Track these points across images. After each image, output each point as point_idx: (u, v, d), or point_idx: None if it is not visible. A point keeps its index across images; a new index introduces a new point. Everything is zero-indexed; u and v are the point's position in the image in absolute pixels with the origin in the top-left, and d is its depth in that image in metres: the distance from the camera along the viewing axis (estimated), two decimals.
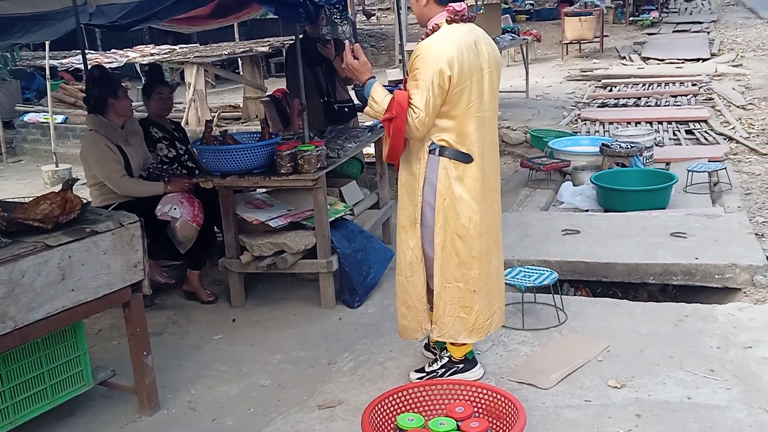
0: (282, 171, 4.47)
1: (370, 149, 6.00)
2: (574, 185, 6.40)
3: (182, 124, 9.93)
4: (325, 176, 4.60)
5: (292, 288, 5.07)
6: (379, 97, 3.06)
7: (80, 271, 3.20)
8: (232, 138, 4.78)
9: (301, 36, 6.28)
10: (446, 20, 3.09)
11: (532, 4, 23.45)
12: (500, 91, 10.71)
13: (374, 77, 3.15)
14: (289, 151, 4.45)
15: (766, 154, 7.17)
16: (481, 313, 3.28)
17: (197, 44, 13.00)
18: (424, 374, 3.49)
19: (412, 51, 3.09)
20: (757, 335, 3.63)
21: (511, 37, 10.07)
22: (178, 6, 5.92)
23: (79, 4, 5.61)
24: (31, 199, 3.48)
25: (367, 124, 7.43)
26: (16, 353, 3.17)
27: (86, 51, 11.52)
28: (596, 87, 11.76)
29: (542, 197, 6.40)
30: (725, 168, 6.22)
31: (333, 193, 5.16)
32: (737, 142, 7.67)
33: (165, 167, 5.06)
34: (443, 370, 3.46)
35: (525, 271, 4.14)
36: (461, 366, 3.46)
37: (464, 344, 3.39)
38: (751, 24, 17.81)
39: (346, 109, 6.46)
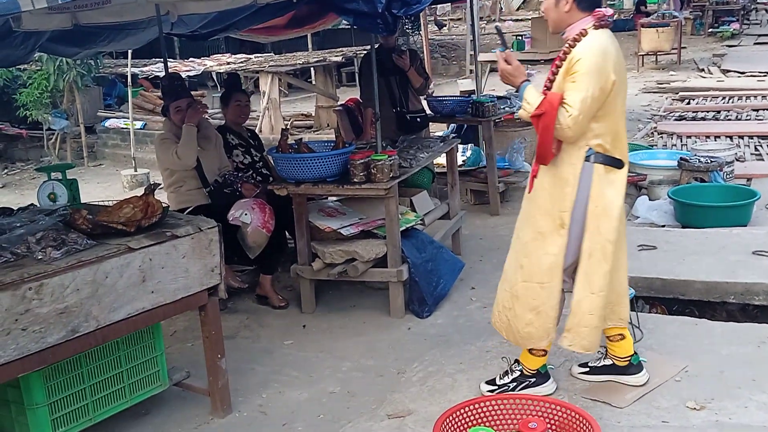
0: (355, 180, 4.50)
1: (441, 159, 5.98)
2: (650, 200, 6.25)
3: (256, 132, 10.17)
4: (397, 186, 4.61)
5: (361, 296, 5.09)
6: (532, 98, 3.09)
7: (160, 274, 3.29)
8: (307, 146, 4.84)
9: (376, 46, 6.34)
10: (594, 26, 3.07)
11: None
12: None
13: (528, 80, 3.20)
14: (362, 160, 4.49)
15: None
16: None
17: (272, 53, 13.25)
18: (495, 387, 3.46)
19: (573, 57, 3.02)
20: None
21: None
22: (256, 16, 6.05)
23: (162, 14, 5.79)
24: (114, 202, 3.61)
25: (438, 134, 7.45)
26: (97, 352, 3.27)
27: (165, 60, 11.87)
28: (673, 99, 11.48)
29: None
30: None
31: (404, 203, 5.17)
32: None
33: (239, 174, 5.16)
34: (515, 383, 3.42)
35: None
36: (533, 380, 3.42)
37: (543, 355, 3.36)
38: None
39: (418, 119, 6.47)
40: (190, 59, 11.98)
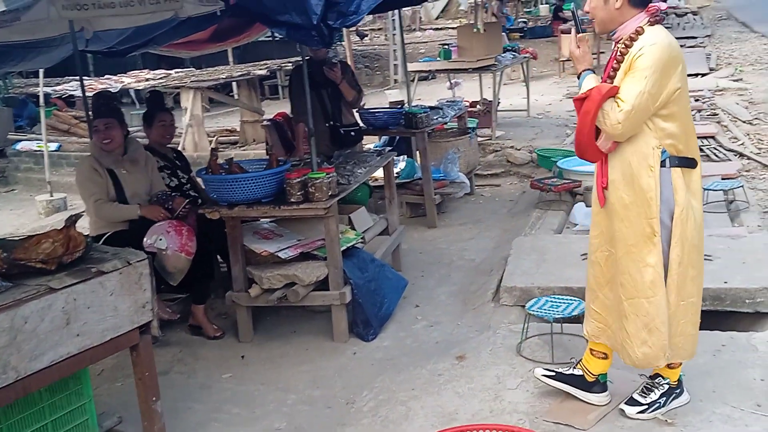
0: (292, 200, 4.29)
1: (376, 173, 5.80)
2: (586, 206, 6.22)
3: (179, 150, 9.79)
4: (336, 204, 4.42)
5: (301, 320, 4.86)
6: (588, 86, 2.94)
7: (86, 315, 3.00)
8: (239, 166, 4.59)
9: (298, 59, 6.13)
10: (649, 22, 2.93)
11: (525, 22, 23.43)
12: (500, 110, 10.55)
13: (592, 70, 3.02)
14: (299, 179, 4.28)
15: None
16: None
17: (192, 68, 12.86)
18: (645, 406, 3.19)
19: (633, 54, 2.89)
20: None
21: (512, 56, 9.95)
22: (177, 31, 5.76)
23: (76, 30, 5.45)
24: (31, 236, 3.29)
25: (370, 147, 7.29)
26: (18, 405, 2.95)
27: (79, 78, 11.36)
28: None
29: (554, 219, 6.22)
30: (743, 186, 6.06)
31: (342, 221, 4.97)
32: (748, 158, 7.52)
33: (171, 194, 4.86)
34: (665, 398, 3.20)
35: (551, 301, 3.95)
36: (678, 391, 3.23)
37: (679, 365, 3.19)
38: (745, 38, 17.76)
39: (352, 133, 6.28)
40: (106, 76, 11.48)
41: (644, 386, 3.24)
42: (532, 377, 3.51)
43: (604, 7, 2.97)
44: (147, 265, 3.23)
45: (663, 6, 3.02)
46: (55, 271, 2.99)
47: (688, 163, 2.99)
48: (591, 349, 3.32)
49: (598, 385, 3.31)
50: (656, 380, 3.22)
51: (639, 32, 2.91)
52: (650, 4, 2.96)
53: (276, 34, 9.11)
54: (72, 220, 3.26)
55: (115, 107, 4.95)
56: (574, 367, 3.38)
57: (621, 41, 2.95)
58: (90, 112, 5.55)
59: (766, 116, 9.39)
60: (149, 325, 3.29)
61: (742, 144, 8.08)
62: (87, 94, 10.28)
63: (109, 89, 9.87)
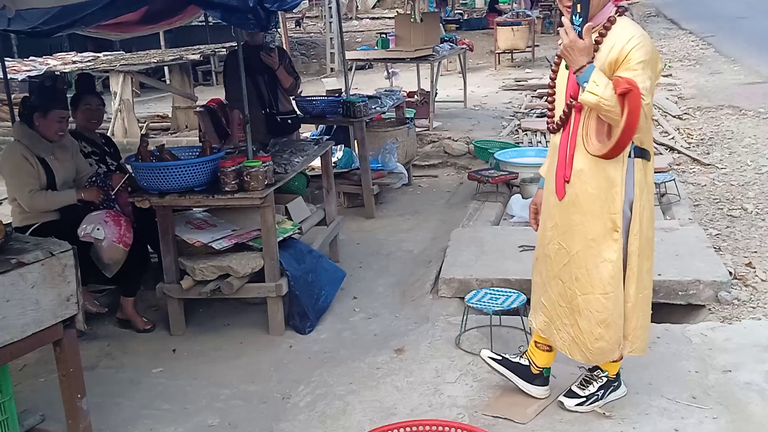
0: (227, 189, 4.14)
1: (314, 162, 5.69)
2: (523, 198, 6.25)
3: (109, 135, 9.46)
4: (273, 194, 4.29)
5: (236, 313, 4.73)
6: (603, 81, 2.74)
7: (4, 308, 2.81)
8: (170, 153, 4.42)
9: (234, 44, 5.95)
10: (618, 12, 2.87)
11: (461, 14, 23.55)
12: (437, 101, 10.52)
13: (593, 61, 2.82)
14: (234, 167, 4.13)
15: (709, 165, 7.18)
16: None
17: (121, 51, 12.45)
18: (583, 399, 3.17)
19: (619, 43, 2.77)
20: (735, 358, 3.50)
21: (449, 47, 9.92)
22: (106, 11, 5.49)
23: None
24: None
25: (307, 135, 7.16)
26: None
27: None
28: (532, 96, 11.74)
29: (492, 211, 6.22)
30: (674, 179, 6.17)
31: (279, 211, 4.86)
32: (679, 152, 7.69)
33: (102, 175, 4.65)
34: (603, 390, 3.18)
35: (490, 293, 3.93)
36: (616, 384, 3.21)
37: (620, 359, 3.16)
38: (674, 35, 18.23)
39: (289, 121, 6.14)
40: (31, 58, 11.00)
41: (583, 379, 3.24)
42: (470, 371, 3.48)
43: None
44: (72, 257, 3.06)
45: None
46: None
47: (646, 154, 2.96)
48: (535, 342, 3.30)
49: (541, 378, 3.30)
50: (595, 373, 3.22)
51: (612, 21, 2.86)
52: None
53: (210, 18, 8.87)
54: None
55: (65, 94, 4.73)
56: (521, 356, 3.36)
57: (594, 30, 2.87)
58: (28, 95, 5.30)
59: (695, 111, 9.63)
60: (74, 319, 3.12)
61: (672, 138, 8.25)
62: (10, 76, 9.86)
63: (33, 71, 9.47)
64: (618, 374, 3.23)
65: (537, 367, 3.28)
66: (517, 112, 10.50)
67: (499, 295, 3.90)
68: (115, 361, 4.26)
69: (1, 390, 3.04)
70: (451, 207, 6.80)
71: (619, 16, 2.88)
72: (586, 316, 2.99)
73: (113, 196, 4.42)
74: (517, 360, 3.34)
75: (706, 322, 3.99)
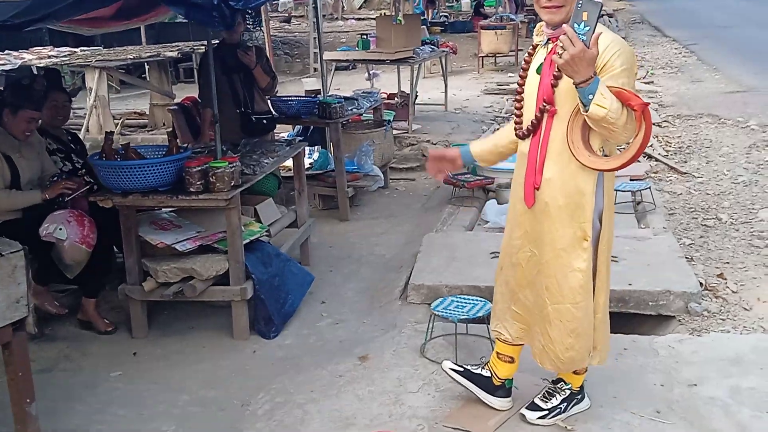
0: (191, 189, 4.05)
1: (288, 162, 5.60)
2: (498, 203, 6.19)
3: (83, 132, 9.33)
4: (239, 195, 4.21)
5: (201, 316, 4.64)
6: (609, 93, 2.60)
7: None
8: (136, 152, 4.32)
9: (217, 41, 5.86)
10: None
11: (446, 17, 23.50)
12: (418, 104, 10.43)
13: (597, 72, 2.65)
14: (199, 168, 4.04)
15: (686, 173, 7.16)
16: None
17: (101, 47, 12.29)
18: (545, 412, 3.11)
19: (604, 45, 2.65)
20: (701, 371, 3.45)
21: (430, 49, 9.85)
22: (78, 6, 5.39)
23: None
24: None
25: (284, 135, 7.07)
26: None
27: None
28: (513, 101, 11.69)
29: (467, 216, 6.17)
30: (650, 187, 6.14)
31: (247, 212, 4.77)
32: (656, 160, 7.66)
33: (64, 177, 4.55)
34: (566, 403, 3.12)
35: (457, 301, 3.86)
36: (579, 397, 3.16)
37: (584, 371, 3.11)
38: (657, 42, 18.27)
39: (264, 121, 6.04)
40: (6, 52, 10.82)
41: (546, 391, 3.18)
42: (433, 380, 3.42)
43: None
44: (22, 257, 2.96)
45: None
46: None
47: None
48: (498, 353, 3.23)
49: (503, 389, 3.24)
50: (558, 385, 3.16)
51: None
52: None
53: None
54: None
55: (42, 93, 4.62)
56: (483, 367, 3.29)
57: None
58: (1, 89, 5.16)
59: (674, 119, 9.62)
60: (24, 322, 3.02)
61: (650, 146, 8.23)
62: None
63: (7, 65, 9.32)
64: (582, 387, 3.17)
65: (499, 378, 3.22)
66: (497, 116, 10.46)
67: (465, 303, 3.83)
68: (72, 364, 4.16)
69: None
70: (426, 211, 6.73)
71: None
72: (556, 326, 2.93)
73: (67, 203, 4.32)
74: (478, 371, 3.27)
75: (675, 333, 3.94)
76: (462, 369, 3.29)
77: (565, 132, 2.79)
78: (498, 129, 9.41)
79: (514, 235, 3.06)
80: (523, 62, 2.99)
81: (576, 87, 2.63)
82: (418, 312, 4.41)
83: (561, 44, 2.58)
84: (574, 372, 3.11)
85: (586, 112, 2.64)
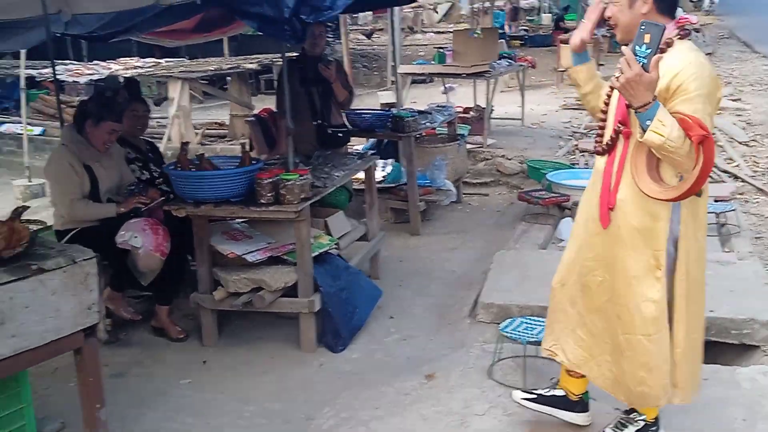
0: (262, 201, 4.08)
1: (360, 174, 5.59)
2: (574, 221, 6.03)
3: (165, 141, 9.58)
4: (309, 206, 4.21)
5: (270, 326, 4.66)
6: (669, 120, 2.49)
7: (23, 315, 2.78)
8: (210, 162, 4.38)
9: (296, 54, 5.91)
10: (678, 35, 2.66)
11: (526, 30, 23.27)
12: (494, 118, 10.32)
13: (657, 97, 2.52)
14: (270, 180, 4.07)
15: None
16: None
17: (185, 58, 12.64)
18: None
19: (671, 70, 2.54)
20: None
21: (507, 63, 9.75)
22: (160, 18, 5.56)
23: (54, 12, 5.25)
24: None
25: (358, 148, 7.08)
26: None
27: (70, 62, 11.11)
28: (601, 114, 11.42)
29: (540, 233, 6.03)
30: (735, 209, 5.88)
31: (317, 225, 4.77)
32: (743, 180, 7.34)
33: (142, 186, 4.66)
34: None
35: (527, 323, 3.76)
36: (654, 429, 3.03)
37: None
38: (746, 58, 17.62)
39: (339, 134, 6.04)
40: (95, 62, 11.25)
41: (618, 421, 3.04)
42: (501, 403, 3.32)
43: (628, 11, 2.68)
44: (94, 264, 3.01)
45: (694, 20, 2.68)
46: None
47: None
48: (567, 371, 3.12)
49: (581, 404, 3.15)
50: (632, 415, 3.02)
51: (669, 44, 2.61)
52: (681, 16, 2.68)
53: None
54: (18, 212, 3.05)
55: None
56: (555, 387, 3.19)
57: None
58: (78, 97, 5.34)
59: (763, 138, 9.22)
60: (95, 328, 3.08)
61: (737, 166, 7.90)
62: (73, 79, 10.11)
63: (95, 75, 9.66)
64: (657, 418, 3.02)
65: (574, 394, 3.12)
66: (575, 132, 10.25)
67: (535, 324, 3.72)
68: (144, 370, 4.23)
69: (19, 396, 3.01)
70: (499, 227, 6.62)
71: (679, 39, 2.65)
72: (628, 357, 2.79)
73: (144, 213, 4.40)
74: (551, 393, 3.18)
75: (760, 365, 3.73)
76: (535, 396, 3.20)
77: None
78: (576, 145, 9.24)
79: (584, 255, 2.93)
80: (614, 77, 2.87)
81: (635, 112, 2.52)
82: (487, 331, 4.32)
83: (619, 66, 2.47)
84: None
85: (642, 138, 2.52)
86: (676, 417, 3.18)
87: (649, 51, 2.43)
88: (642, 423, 2.99)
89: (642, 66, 2.43)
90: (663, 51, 2.57)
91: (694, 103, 2.51)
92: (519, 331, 3.64)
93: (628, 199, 2.72)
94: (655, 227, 2.68)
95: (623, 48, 2.51)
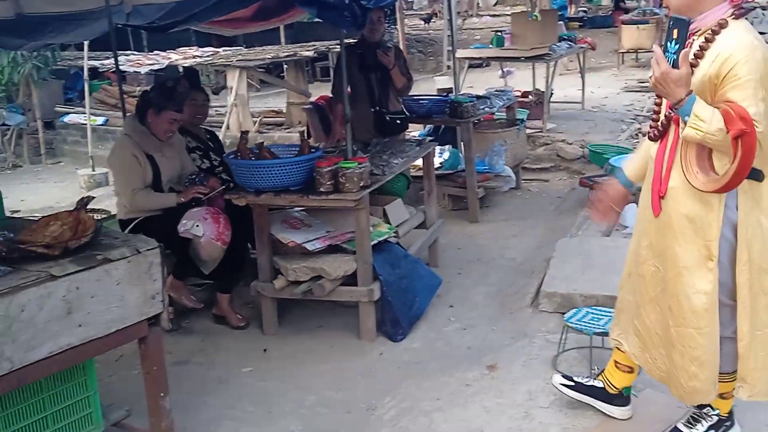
0: (321, 189, 4.06)
1: (417, 161, 5.52)
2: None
3: (223, 129, 9.67)
4: (368, 196, 4.18)
5: (329, 314, 4.65)
6: (708, 114, 2.42)
7: (89, 304, 2.81)
8: (269, 151, 4.38)
9: (355, 40, 5.86)
10: (734, 14, 2.54)
11: (585, 11, 22.77)
12: (553, 102, 10.11)
13: (692, 91, 2.47)
14: (329, 168, 4.04)
15: None
16: None
17: (242, 47, 12.73)
18: None
19: (722, 55, 2.44)
20: None
21: (568, 45, 9.53)
22: (218, 7, 5.59)
23: (115, 3, 5.32)
24: (41, 217, 3.14)
25: (414, 134, 7.02)
26: (15, 395, 2.80)
27: (131, 52, 11.31)
28: (656, 99, 11.13)
29: None
30: None
31: (376, 212, 4.73)
32: None
33: (203, 175, 4.69)
34: (713, 430, 2.92)
35: (592, 313, 3.65)
36: (729, 423, 2.94)
37: (732, 396, 2.85)
38: None
39: (398, 121, 5.98)
40: (155, 52, 11.42)
41: (691, 416, 2.93)
42: (566, 396, 3.22)
43: None
44: (158, 254, 3.03)
45: None
46: (58, 256, 2.82)
47: (756, 174, 2.57)
48: (616, 361, 3.05)
49: (621, 398, 3.07)
50: (704, 410, 2.90)
51: (722, 25, 2.49)
52: None
53: None
54: (84, 203, 3.10)
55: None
56: (596, 378, 3.14)
57: (700, 34, 2.54)
58: (139, 87, 5.40)
59: None
60: (159, 318, 3.11)
61: None
62: (134, 70, 10.27)
63: (155, 65, 9.80)
64: (731, 412, 2.90)
65: (614, 387, 3.05)
66: (638, 115, 9.97)
67: (602, 315, 3.61)
68: (206, 357, 4.27)
69: (86, 384, 3.06)
70: (560, 214, 6.48)
71: (735, 19, 2.51)
72: (679, 351, 2.70)
73: (205, 202, 4.42)
74: (590, 383, 3.12)
75: None
76: (574, 383, 3.15)
77: None
78: (639, 129, 9.00)
79: (640, 244, 2.85)
80: (649, 77, 2.76)
81: (673, 108, 2.45)
82: (549, 321, 4.22)
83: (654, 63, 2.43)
84: (721, 396, 2.85)
85: (682, 134, 2.45)
86: (751, 410, 3.05)
87: (677, 46, 2.39)
88: (716, 418, 2.88)
89: (673, 62, 2.38)
90: (715, 33, 2.49)
91: (744, 89, 2.40)
92: (585, 322, 3.55)
93: (679, 186, 2.62)
94: (707, 216, 2.58)
95: (655, 47, 2.49)
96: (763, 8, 22.30)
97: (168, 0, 5.53)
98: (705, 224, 2.58)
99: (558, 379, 3.19)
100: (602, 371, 3.14)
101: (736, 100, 2.40)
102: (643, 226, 2.83)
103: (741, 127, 2.35)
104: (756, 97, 2.40)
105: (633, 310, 2.92)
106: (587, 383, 3.13)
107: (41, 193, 9.43)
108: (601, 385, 3.10)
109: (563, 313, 4.08)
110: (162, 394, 3.17)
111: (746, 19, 2.56)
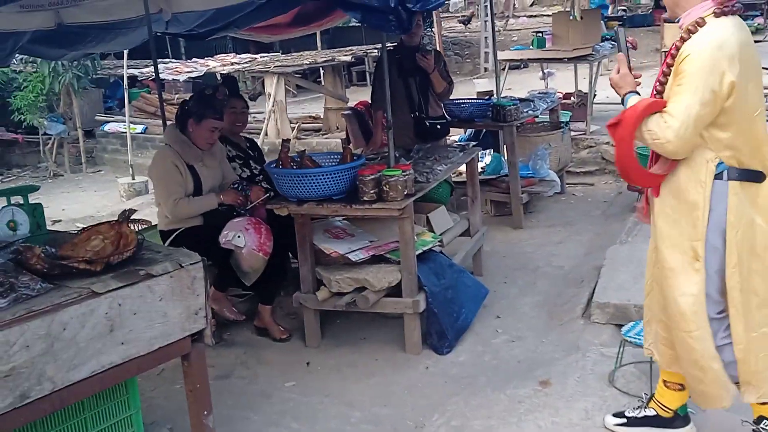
0: (365, 198, 3.95)
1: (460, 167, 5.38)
2: None
3: (262, 136, 9.64)
4: (412, 204, 4.06)
5: (372, 327, 4.54)
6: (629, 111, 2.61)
7: (132, 321, 2.74)
8: (311, 159, 4.29)
9: (394, 44, 5.75)
10: (714, 12, 2.53)
11: (624, 10, 22.40)
12: (596, 103, 9.87)
13: (635, 92, 2.70)
14: (372, 176, 3.93)
15: None
16: None
17: (279, 53, 12.72)
18: None
19: (683, 53, 2.50)
20: None
21: (611, 45, 9.31)
22: (257, 14, 5.53)
23: (155, 12, 5.28)
24: (83, 230, 3.09)
25: (455, 139, 6.89)
26: (56, 416, 2.74)
27: (169, 60, 11.35)
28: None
29: None
30: None
31: (419, 221, 4.62)
32: None
33: (245, 184, 4.61)
34: None
35: None
36: None
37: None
38: None
39: (438, 126, 5.85)
40: (193, 59, 11.45)
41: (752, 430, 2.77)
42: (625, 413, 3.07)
43: None
44: (201, 269, 2.95)
45: None
46: (100, 272, 2.75)
47: (753, 176, 2.53)
48: (664, 381, 2.94)
49: (680, 419, 2.93)
50: (762, 424, 2.75)
51: (699, 24, 2.50)
52: None
53: None
54: (125, 216, 3.03)
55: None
56: (646, 407, 3.00)
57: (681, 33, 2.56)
58: (178, 95, 5.36)
59: None
60: (202, 333, 3.03)
61: None
62: (173, 77, 10.30)
63: (193, 72, 9.81)
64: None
65: (668, 410, 2.92)
66: None
67: None
68: (249, 371, 4.18)
69: (128, 403, 2.99)
70: (607, 219, 6.30)
71: (716, 17, 2.50)
72: (681, 356, 2.68)
73: (247, 211, 4.35)
74: (643, 414, 2.99)
75: None
76: (626, 419, 3.03)
77: None
78: None
79: (649, 248, 2.87)
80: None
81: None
82: (603, 333, 4.06)
83: None
84: (763, 403, 2.70)
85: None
86: None
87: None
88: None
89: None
90: (691, 32, 2.52)
91: (681, 88, 2.48)
92: (642, 336, 3.37)
93: (666, 188, 2.63)
94: (692, 216, 2.55)
95: (619, 54, 2.80)
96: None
97: (207, 7, 5.48)
98: (690, 223, 2.56)
99: (610, 420, 3.08)
100: (651, 396, 3.03)
101: (671, 95, 2.50)
102: (651, 230, 2.83)
103: (614, 120, 2.56)
104: (685, 93, 2.45)
105: (655, 317, 2.88)
106: (639, 416, 3.01)
107: (82, 202, 9.49)
108: (653, 413, 2.97)
109: (617, 325, 3.94)
110: (205, 413, 3.09)
111: (739, 16, 2.56)
